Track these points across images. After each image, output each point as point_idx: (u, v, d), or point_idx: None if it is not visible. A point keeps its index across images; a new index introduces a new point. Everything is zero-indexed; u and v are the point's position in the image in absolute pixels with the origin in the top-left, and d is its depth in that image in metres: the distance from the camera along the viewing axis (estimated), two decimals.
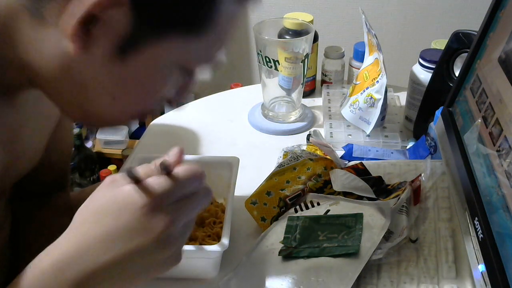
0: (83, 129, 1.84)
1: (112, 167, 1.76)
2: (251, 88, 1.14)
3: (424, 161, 0.74)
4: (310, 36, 0.91)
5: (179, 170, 0.44)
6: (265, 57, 0.91)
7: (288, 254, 0.64)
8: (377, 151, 0.86)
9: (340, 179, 0.73)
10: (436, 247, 0.63)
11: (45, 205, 0.76)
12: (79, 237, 0.43)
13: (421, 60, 0.90)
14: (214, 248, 0.62)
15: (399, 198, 0.68)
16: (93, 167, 1.81)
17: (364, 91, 0.90)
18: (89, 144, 1.88)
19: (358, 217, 0.66)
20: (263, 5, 1.77)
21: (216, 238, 0.68)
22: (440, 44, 0.93)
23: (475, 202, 0.56)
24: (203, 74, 0.52)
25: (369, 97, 0.88)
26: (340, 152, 0.85)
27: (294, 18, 0.96)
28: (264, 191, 0.73)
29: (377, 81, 0.87)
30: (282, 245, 0.66)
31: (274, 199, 0.72)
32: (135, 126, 2.04)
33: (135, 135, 1.94)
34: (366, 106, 0.89)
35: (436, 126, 0.76)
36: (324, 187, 0.74)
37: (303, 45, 0.91)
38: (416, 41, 1.71)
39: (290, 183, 0.74)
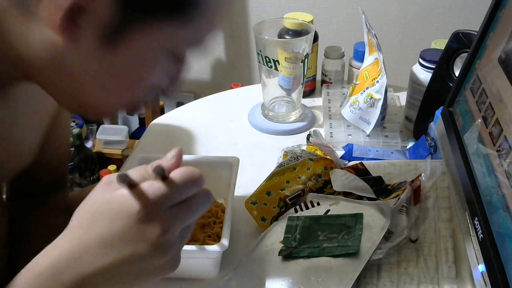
0: (83, 129, 1.84)
1: (112, 167, 1.76)
2: (251, 88, 1.14)
3: (424, 161, 0.74)
4: (310, 36, 0.91)
5: (175, 174, 0.43)
6: (265, 57, 0.91)
7: (288, 254, 0.64)
8: (377, 151, 0.86)
9: (340, 179, 0.73)
10: (436, 247, 0.63)
11: (44, 205, 0.76)
12: (75, 240, 0.43)
13: (421, 60, 0.90)
14: (214, 248, 0.62)
15: (399, 198, 0.68)
16: (93, 167, 1.81)
17: (364, 91, 0.90)
18: (89, 144, 1.88)
19: (358, 217, 0.66)
20: (263, 5, 1.78)
21: (216, 238, 0.68)
22: (440, 44, 0.93)
23: (475, 202, 0.56)
24: (195, 59, 0.52)
25: (369, 97, 0.88)
26: (340, 152, 0.85)
27: (294, 18, 0.96)
28: (264, 191, 0.73)
29: (377, 81, 0.87)
30: (282, 245, 0.66)
31: (274, 199, 0.72)
32: (135, 126, 2.04)
33: (135, 135, 1.94)
34: (366, 106, 0.89)
35: (436, 126, 0.76)
36: (324, 187, 0.74)
37: (303, 45, 0.91)
38: (416, 41, 1.71)
39: (290, 183, 0.74)
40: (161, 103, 1.85)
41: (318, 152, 0.82)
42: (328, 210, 0.70)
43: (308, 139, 0.89)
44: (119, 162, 1.84)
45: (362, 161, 0.78)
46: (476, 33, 0.65)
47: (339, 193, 0.72)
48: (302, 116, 1.00)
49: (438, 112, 0.75)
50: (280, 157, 0.86)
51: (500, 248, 0.50)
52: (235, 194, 0.70)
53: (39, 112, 0.64)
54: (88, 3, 0.41)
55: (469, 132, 0.62)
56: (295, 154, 0.78)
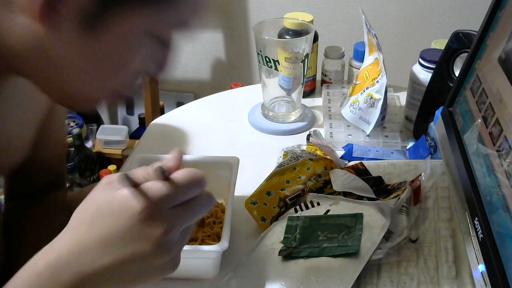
0: (83, 129, 1.84)
1: (112, 167, 1.76)
2: (251, 88, 1.14)
3: (424, 161, 0.74)
4: (310, 36, 0.91)
5: (178, 175, 0.43)
6: (265, 57, 0.91)
7: (288, 254, 0.64)
8: (377, 151, 0.86)
9: (340, 179, 0.73)
10: (436, 247, 0.63)
11: (42, 204, 0.76)
12: (75, 240, 0.43)
13: (421, 60, 0.90)
14: (214, 248, 0.62)
15: (399, 198, 0.68)
16: (93, 167, 1.81)
17: (364, 91, 0.90)
18: (89, 144, 1.88)
19: (358, 217, 0.66)
20: (263, 5, 1.78)
21: (216, 238, 0.68)
22: (440, 44, 0.93)
23: (475, 202, 0.56)
24: (182, 44, 0.51)
25: (369, 97, 0.88)
26: (340, 152, 0.85)
27: (294, 18, 0.96)
28: (264, 191, 0.73)
29: (377, 81, 0.87)
30: (282, 245, 0.66)
31: (274, 199, 0.72)
32: (135, 126, 2.04)
33: (135, 135, 1.94)
34: (366, 106, 0.89)
35: (436, 126, 0.76)
36: (324, 187, 0.74)
37: (303, 45, 0.91)
38: (416, 41, 1.71)
39: (290, 183, 0.74)
40: (161, 103, 1.85)
41: (318, 152, 0.82)
42: (328, 210, 0.70)
43: (308, 139, 0.89)
44: (119, 162, 1.84)
45: (362, 161, 0.78)
46: (476, 33, 0.65)
47: (339, 193, 0.72)
48: (302, 116, 1.00)
49: (438, 112, 0.75)
50: (280, 157, 0.86)
51: (500, 248, 0.50)
52: (235, 194, 0.70)
53: (30, 107, 0.63)
54: None
55: (469, 132, 0.62)
56: (295, 154, 0.78)
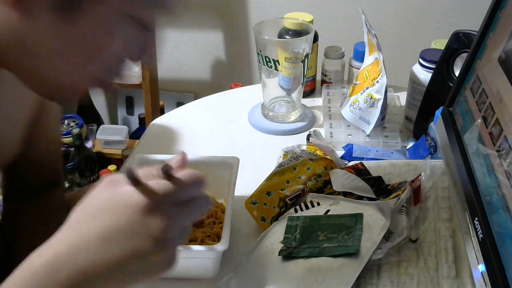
0: (83, 129, 1.84)
1: (112, 167, 1.76)
2: (251, 88, 1.14)
3: (424, 161, 0.74)
4: (310, 36, 0.91)
5: (181, 174, 0.44)
6: (265, 57, 0.91)
7: (288, 254, 0.64)
8: (377, 151, 0.86)
9: (340, 179, 0.73)
10: (436, 247, 0.63)
11: (39, 203, 0.75)
12: (74, 237, 0.43)
13: (421, 60, 0.90)
14: (214, 248, 0.62)
15: (399, 198, 0.68)
16: (93, 167, 1.81)
17: (364, 91, 0.90)
18: (89, 144, 1.88)
19: (358, 217, 0.66)
20: (263, 5, 1.78)
21: (216, 238, 0.68)
22: (440, 44, 0.93)
23: (475, 202, 0.56)
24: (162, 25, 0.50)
25: (369, 97, 0.88)
26: (340, 152, 0.85)
27: (294, 18, 0.96)
28: (264, 191, 0.73)
29: (377, 81, 0.87)
30: (282, 245, 0.66)
31: (274, 199, 0.72)
32: (135, 126, 2.04)
33: (135, 135, 1.94)
34: (366, 106, 0.89)
35: (436, 126, 0.76)
36: (324, 187, 0.74)
37: (303, 45, 0.91)
38: (416, 41, 1.70)
39: (290, 183, 0.74)
40: (161, 103, 1.86)
41: (318, 152, 0.82)
42: (328, 210, 0.70)
43: (308, 139, 0.89)
44: (119, 162, 1.84)
45: (362, 161, 0.78)
46: (476, 33, 0.65)
47: (339, 193, 0.72)
48: (302, 116, 1.00)
49: (438, 112, 0.75)
50: (280, 157, 0.86)
51: (500, 248, 0.49)
52: (235, 194, 0.70)
53: (16, 102, 0.63)
54: None
55: (469, 132, 0.62)
56: (295, 154, 0.78)
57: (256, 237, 0.70)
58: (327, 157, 0.79)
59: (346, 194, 0.72)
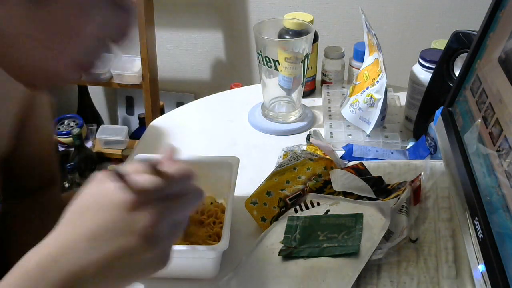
0: (83, 129, 1.84)
1: (112, 167, 1.75)
2: (251, 88, 1.14)
3: (424, 161, 0.74)
4: (310, 36, 0.91)
5: (167, 169, 0.44)
6: (265, 57, 0.91)
7: (288, 254, 0.64)
8: (377, 151, 0.86)
9: (340, 179, 0.73)
10: (436, 247, 0.63)
11: (35, 203, 0.75)
12: (63, 236, 0.43)
13: (421, 60, 0.90)
14: (214, 248, 0.62)
15: (399, 198, 0.68)
16: (93, 167, 1.81)
17: (364, 91, 0.90)
18: (89, 144, 1.88)
19: (358, 217, 0.66)
20: (263, 5, 1.78)
21: (216, 238, 0.68)
22: (440, 44, 0.93)
23: (475, 202, 0.56)
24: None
25: (369, 97, 0.88)
26: (340, 152, 0.85)
27: (294, 18, 0.96)
28: (264, 191, 0.73)
29: (377, 81, 0.87)
30: (282, 245, 0.66)
31: (274, 199, 0.72)
32: (135, 126, 2.04)
33: (135, 135, 1.94)
34: (366, 106, 0.89)
35: (436, 126, 0.75)
36: (324, 187, 0.74)
37: (303, 45, 0.91)
38: (416, 41, 1.71)
39: (290, 183, 0.74)
40: (161, 103, 1.86)
41: (318, 152, 0.82)
42: (328, 210, 0.70)
43: (308, 139, 0.89)
44: (119, 162, 1.84)
45: (362, 161, 0.78)
46: (476, 33, 0.65)
47: (339, 193, 0.72)
48: (302, 116, 1.00)
49: (438, 112, 0.75)
50: (280, 157, 0.86)
51: (500, 248, 0.49)
52: (235, 194, 0.70)
53: (2, 96, 0.62)
54: None
55: (469, 132, 0.62)
56: (295, 154, 0.78)
57: (256, 237, 0.70)
58: (327, 157, 0.79)
59: (346, 194, 0.72)
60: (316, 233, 0.66)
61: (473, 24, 0.74)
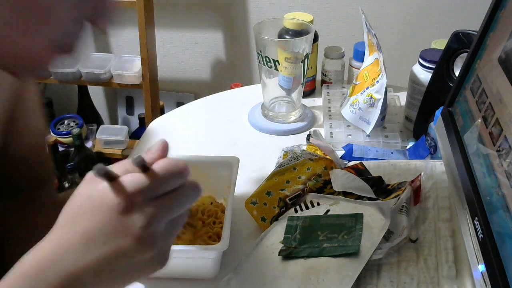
0: (83, 129, 1.84)
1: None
2: (251, 88, 1.14)
3: (424, 161, 0.74)
4: (310, 36, 0.91)
5: (157, 165, 0.43)
6: (265, 57, 0.91)
7: (288, 254, 0.64)
8: (377, 151, 0.86)
9: (340, 179, 0.73)
10: (436, 247, 0.63)
11: (29, 201, 0.73)
12: (59, 239, 0.42)
13: (421, 60, 0.90)
14: (214, 248, 0.62)
15: (399, 198, 0.68)
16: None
17: (364, 91, 0.90)
18: (89, 144, 1.88)
19: (358, 217, 0.66)
20: (263, 5, 1.78)
21: (216, 238, 0.68)
22: (440, 44, 0.93)
23: (475, 202, 0.56)
24: None
25: (369, 97, 0.88)
26: (340, 152, 0.85)
27: (294, 18, 0.96)
28: (264, 191, 0.73)
29: (377, 81, 0.87)
30: (282, 245, 0.66)
31: (274, 199, 0.72)
32: (135, 126, 2.04)
33: (135, 135, 1.94)
34: (366, 106, 0.89)
35: (436, 126, 0.75)
36: (324, 187, 0.74)
37: (303, 45, 0.91)
38: (416, 41, 1.71)
39: (290, 183, 0.74)
40: (161, 103, 1.86)
41: (318, 152, 0.82)
42: (328, 210, 0.70)
43: (308, 139, 0.89)
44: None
45: (362, 161, 0.78)
46: (476, 33, 0.65)
47: (339, 193, 0.72)
48: (302, 116, 1.00)
49: (438, 112, 0.75)
50: (280, 157, 0.86)
51: (500, 248, 0.49)
52: (235, 194, 0.70)
53: None
54: None
55: (469, 132, 0.62)
56: (295, 154, 0.78)
57: (256, 237, 0.70)
58: (327, 157, 0.79)
59: (346, 194, 0.72)
60: (316, 233, 0.66)
61: (473, 24, 0.74)
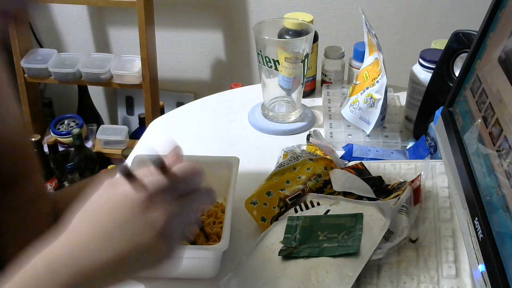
0: (83, 129, 1.84)
1: (112, 167, 1.76)
2: (251, 88, 1.14)
3: (424, 161, 0.74)
4: (310, 36, 0.91)
5: (176, 168, 0.45)
6: (265, 57, 0.91)
7: (288, 254, 0.64)
8: (377, 151, 0.86)
9: (340, 179, 0.73)
10: (436, 247, 0.63)
11: (12, 194, 0.68)
12: (74, 238, 0.43)
13: (421, 60, 0.90)
14: (214, 248, 0.62)
15: (399, 198, 0.68)
16: (93, 167, 1.81)
17: (364, 91, 0.90)
18: (89, 144, 1.88)
19: (358, 217, 0.66)
20: (263, 5, 1.78)
21: (216, 238, 0.68)
22: (440, 44, 0.93)
23: (475, 202, 0.56)
24: None
25: (369, 97, 0.88)
26: (340, 152, 0.85)
27: (294, 18, 0.96)
28: (264, 191, 0.73)
29: (377, 81, 0.87)
30: (282, 245, 0.66)
31: (274, 199, 0.72)
32: (135, 126, 2.04)
33: (135, 135, 1.94)
34: (366, 106, 0.89)
35: (436, 126, 0.75)
36: (324, 187, 0.74)
37: (303, 45, 0.91)
38: (416, 41, 1.71)
39: (290, 183, 0.74)
40: (161, 103, 1.86)
41: (318, 152, 0.82)
42: (328, 210, 0.70)
43: (308, 139, 0.89)
44: (119, 162, 1.84)
45: (362, 161, 0.78)
46: (476, 33, 0.65)
47: (339, 193, 0.72)
48: (302, 116, 1.00)
49: (438, 112, 0.75)
50: (280, 157, 0.86)
51: (500, 248, 0.49)
52: (235, 194, 0.70)
53: None
54: None
55: (469, 132, 0.62)
56: (295, 154, 0.78)
57: (256, 237, 0.70)
58: (327, 157, 0.79)
59: (346, 194, 0.72)
60: (316, 233, 0.66)
61: (473, 24, 0.74)
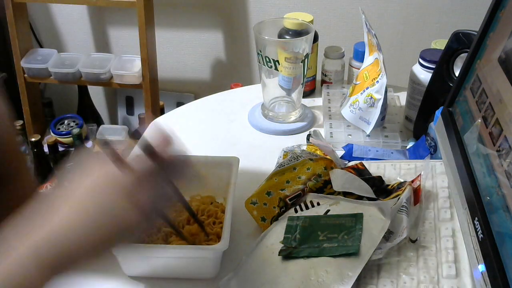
0: (83, 129, 1.84)
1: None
2: (251, 88, 1.14)
3: (424, 161, 0.74)
4: (310, 36, 0.91)
5: (164, 153, 0.47)
6: (265, 57, 0.91)
7: (288, 254, 0.64)
8: (377, 151, 0.86)
9: (340, 179, 0.73)
10: (436, 247, 0.63)
11: (3, 193, 0.67)
12: (60, 221, 0.44)
13: (421, 60, 0.90)
14: (214, 248, 0.62)
15: (399, 198, 0.68)
16: None
17: (364, 91, 0.90)
18: (89, 144, 1.88)
19: (358, 217, 0.66)
20: (263, 5, 1.78)
21: (216, 238, 0.68)
22: (440, 44, 0.93)
23: (475, 202, 0.56)
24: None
25: (369, 97, 0.88)
26: (340, 152, 0.85)
27: (294, 18, 0.96)
28: (264, 191, 0.73)
29: (377, 81, 0.87)
30: (282, 245, 0.66)
31: (274, 199, 0.72)
32: (135, 126, 2.04)
33: (135, 135, 1.94)
34: (366, 106, 0.89)
35: (436, 126, 0.75)
36: (324, 187, 0.74)
37: (303, 45, 0.91)
38: (416, 41, 1.71)
39: (290, 183, 0.74)
40: (161, 103, 1.86)
41: (318, 152, 0.82)
42: (328, 210, 0.70)
43: (308, 139, 0.89)
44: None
45: (362, 161, 0.78)
46: (476, 33, 0.65)
47: (339, 193, 0.72)
48: (302, 116, 1.00)
49: (438, 112, 0.75)
50: (280, 157, 0.86)
51: (500, 248, 0.49)
52: (235, 194, 0.70)
53: None
54: None
55: (469, 132, 0.62)
56: (295, 154, 0.78)
57: (256, 237, 0.70)
58: (327, 157, 0.79)
59: (346, 194, 0.72)
60: (316, 233, 0.66)
61: (473, 24, 0.74)
